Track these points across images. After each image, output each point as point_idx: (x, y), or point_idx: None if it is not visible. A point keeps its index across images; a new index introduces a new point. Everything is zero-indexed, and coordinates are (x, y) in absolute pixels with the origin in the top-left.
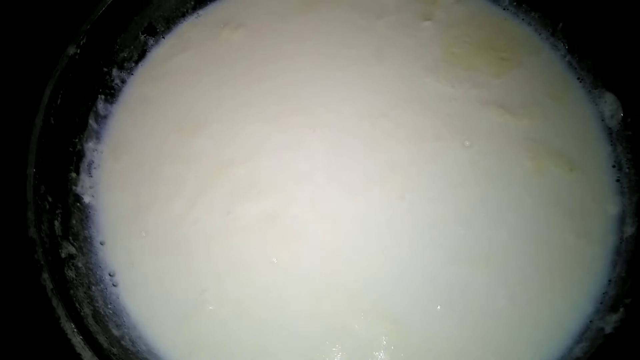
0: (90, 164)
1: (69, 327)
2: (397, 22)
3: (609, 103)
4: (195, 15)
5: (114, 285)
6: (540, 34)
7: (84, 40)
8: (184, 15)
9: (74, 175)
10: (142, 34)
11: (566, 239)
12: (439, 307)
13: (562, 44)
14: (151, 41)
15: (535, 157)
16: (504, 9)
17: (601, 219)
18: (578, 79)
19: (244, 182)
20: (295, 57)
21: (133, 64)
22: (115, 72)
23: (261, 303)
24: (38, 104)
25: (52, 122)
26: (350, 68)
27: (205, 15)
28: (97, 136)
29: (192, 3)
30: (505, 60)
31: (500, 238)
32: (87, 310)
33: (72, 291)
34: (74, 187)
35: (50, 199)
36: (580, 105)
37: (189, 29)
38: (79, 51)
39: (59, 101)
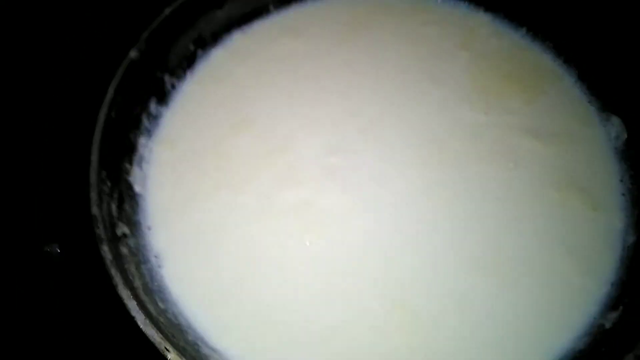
0: (141, 158)
1: (125, 293)
2: (437, 50)
3: (615, 125)
4: (240, 30)
5: (158, 267)
6: (555, 62)
7: (144, 47)
8: (229, 30)
9: (127, 166)
10: (193, 44)
11: (573, 269)
12: (452, 307)
13: (574, 71)
14: (200, 51)
15: (562, 189)
16: (521, 37)
17: (608, 234)
18: (589, 102)
19: (283, 173)
20: (338, 72)
21: (183, 72)
22: (167, 77)
23: (291, 285)
24: (101, 100)
25: (113, 116)
26: (396, 89)
27: (250, 30)
28: (149, 134)
29: (238, 20)
30: (531, 88)
31: (515, 255)
32: (138, 283)
33: (126, 265)
34: (127, 177)
35: (109, 184)
36: (592, 128)
37: (235, 41)
38: (139, 55)
39: (119, 98)
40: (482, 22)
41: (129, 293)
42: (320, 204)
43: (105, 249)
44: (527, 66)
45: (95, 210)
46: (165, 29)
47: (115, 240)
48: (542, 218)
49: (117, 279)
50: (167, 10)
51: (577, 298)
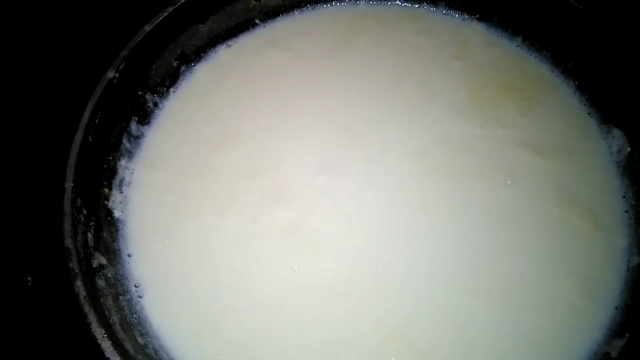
0: (121, 181)
1: (99, 333)
2: (429, 60)
3: (617, 138)
4: (225, 45)
5: (139, 297)
6: (553, 72)
7: (123, 65)
8: (214, 44)
9: (106, 190)
10: (175, 61)
11: (575, 291)
12: (450, 334)
13: (572, 82)
14: (183, 67)
15: (563, 205)
16: (517, 46)
17: (612, 254)
18: (588, 114)
19: (270, 193)
20: (327, 86)
21: (165, 89)
22: (148, 95)
23: (282, 311)
24: (77, 123)
25: (90, 140)
26: (387, 102)
27: (236, 45)
28: (130, 155)
29: (222, 34)
30: (527, 100)
31: (514, 276)
32: (115, 318)
33: (102, 299)
34: (105, 202)
35: (85, 212)
36: (593, 141)
37: (219, 56)
38: (117, 75)
39: (97, 121)
40: (476, 31)
41: (103, 332)
42: (309, 226)
43: (78, 285)
44: (524, 77)
45: (68, 242)
46: (146, 46)
47: (91, 273)
48: (541, 237)
49: (91, 317)
50: (147, 27)
51: (579, 322)
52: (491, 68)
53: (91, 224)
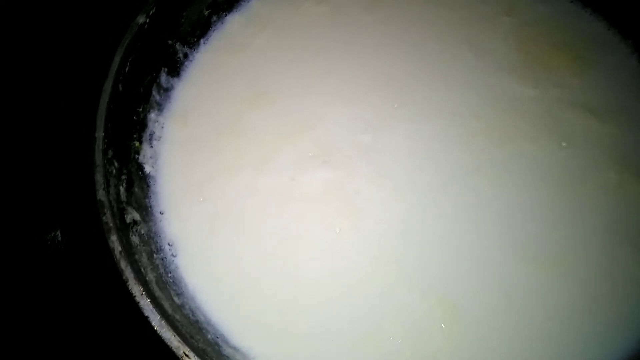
0: (151, 135)
1: (137, 290)
2: (476, 16)
3: None
4: None
5: (173, 256)
6: (609, 30)
7: (154, 10)
8: None
9: (137, 144)
10: (207, 9)
11: (634, 261)
12: (501, 303)
13: (630, 41)
14: (214, 17)
15: (623, 171)
16: (570, 2)
17: None
18: None
19: (309, 152)
20: (366, 41)
21: (195, 39)
22: (178, 45)
23: (322, 275)
24: (107, 70)
25: (120, 89)
26: (431, 59)
27: None
28: (160, 108)
29: None
30: (582, 59)
31: (569, 244)
32: (151, 276)
33: (137, 256)
34: (136, 156)
35: (116, 164)
36: None
37: (252, 6)
38: (148, 21)
39: (127, 69)
40: None
41: (141, 289)
42: (351, 187)
43: (113, 239)
44: (578, 35)
45: (101, 194)
46: None
47: (125, 229)
48: (598, 204)
49: (128, 273)
50: None
51: (638, 293)
52: (543, 25)
53: (123, 177)
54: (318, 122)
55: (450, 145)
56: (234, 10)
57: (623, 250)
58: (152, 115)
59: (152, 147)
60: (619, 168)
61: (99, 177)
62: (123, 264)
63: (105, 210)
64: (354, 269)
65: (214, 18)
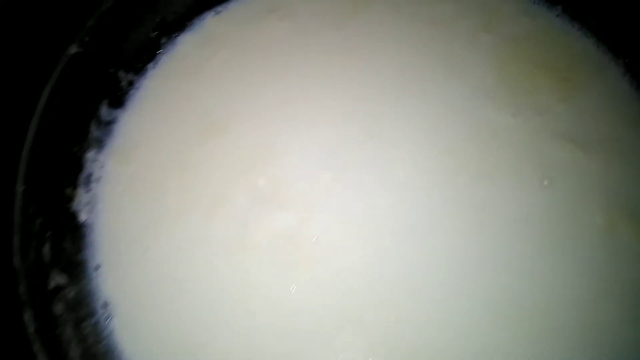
0: (89, 177)
1: None
2: (453, 32)
3: None
4: (213, 12)
5: (107, 319)
6: (599, 48)
7: (88, 38)
8: (200, 11)
9: (69, 190)
10: (154, 31)
11: (619, 318)
12: None
13: (622, 60)
14: (164, 39)
15: (610, 212)
16: (557, 16)
17: None
18: None
19: (264, 193)
20: (334, 63)
21: (142, 65)
22: (122, 73)
23: (274, 343)
24: (33, 109)
25: (48, 129)
26: (403, 83)
27: (226, 11)
28: (99, 145)
29: None
30: (567, 81)
31: (550, 297)
32: (74, 353)
33: (59, 329)
34: (69, 204)
35: (41, 220)
36: None
37: (206, 25)
38: (81, 50)
39: (56, 106)
40: None
41: None
42: (309, 234)
43: (28, 316)
44: (563, 54)
45: (17, 261)
46: (117, 15)
47: (46, 298)
48: (582, 250)
49: (42, 357)
50: None
51: (626, 354)
52: (525, 42)
53: (48, 234)
54: (275, 156)
55: (420, 183)
56: (186, 30)
57: (608, 305)
58: (90, 155)
59: (89, 191)
60: (605, 209)
61: (16, 240)
62: (37, 346)
63: (20, 280)
64: (310, 330)
65: (164, 40)
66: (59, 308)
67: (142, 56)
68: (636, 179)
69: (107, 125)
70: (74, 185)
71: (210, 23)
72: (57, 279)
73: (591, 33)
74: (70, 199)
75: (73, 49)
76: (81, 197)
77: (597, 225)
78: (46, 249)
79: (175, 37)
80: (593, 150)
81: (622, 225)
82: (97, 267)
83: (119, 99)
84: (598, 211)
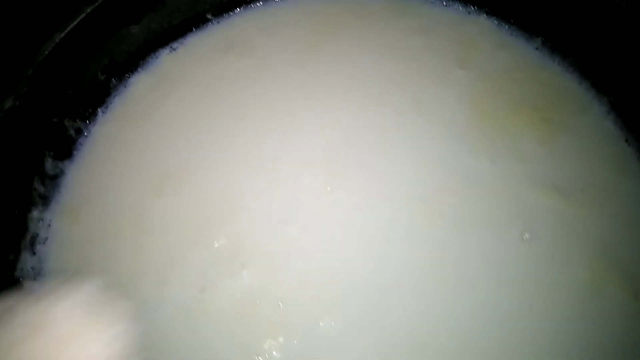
0: (34, 239)
1: None
2: (424, 68)
3: None
4: (168, 49)
5: None
6: (581, 84)
7: (26, 89)
8: (154, 48)
9: (12, 256)
10: (103, 73)
11: None
12: None
13: (606, 98)
14: (114, 80)
15: (593, 266)
16: (536, 49)
17: None
18: (626, 140)
19: (224, 252)
20: (296, 103)
21: (91, 111)
22: (67, 122)
23: None
24: None
25: None
26: (370, 125)
27: (182, 48)
28: (45, 202)
29: (164, 35)
30: (548, 122)
31: (533, 353)
32: None
33: None
34: (11, 273)
35: None
36: (633, 180)
37: (161, 63)
38: (17, 103)
39: None
40: (485, 29)
41: None
42: (273, 297)
43: None
44: (544, 91)
45: None
46: (58, 60)
47: None
48: (567, 308)
49: None
50: (57, 36)
51: None
52: (502, 78)
53: None
54: (235, 210)
55: (393, 237)
56: (139, 69)
57: None
58: (35, 214)
59: (34, 254)
60: (590, 263)
61: None
62: None
63: None
64: None
65: (114, 81)
66: None
67: (91, 101)
68: (622, 229)
69: (53, 179)
70: (16, 251)
71: (165, 61)
72: None
73: (573, 68)
74: (13, 265)
75: (8, 103)
76: (25, 262)
77: (582, 281)
78: None
79: (128, 77)
80: (576, 199)
81: (608, 280)
82: None
83: (65, 150)
84: (583, 266)
